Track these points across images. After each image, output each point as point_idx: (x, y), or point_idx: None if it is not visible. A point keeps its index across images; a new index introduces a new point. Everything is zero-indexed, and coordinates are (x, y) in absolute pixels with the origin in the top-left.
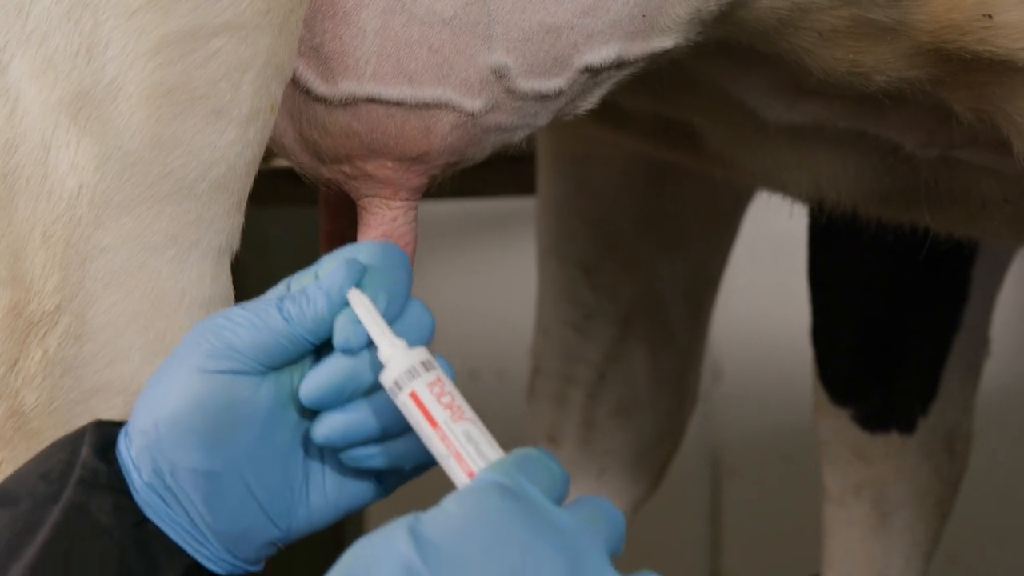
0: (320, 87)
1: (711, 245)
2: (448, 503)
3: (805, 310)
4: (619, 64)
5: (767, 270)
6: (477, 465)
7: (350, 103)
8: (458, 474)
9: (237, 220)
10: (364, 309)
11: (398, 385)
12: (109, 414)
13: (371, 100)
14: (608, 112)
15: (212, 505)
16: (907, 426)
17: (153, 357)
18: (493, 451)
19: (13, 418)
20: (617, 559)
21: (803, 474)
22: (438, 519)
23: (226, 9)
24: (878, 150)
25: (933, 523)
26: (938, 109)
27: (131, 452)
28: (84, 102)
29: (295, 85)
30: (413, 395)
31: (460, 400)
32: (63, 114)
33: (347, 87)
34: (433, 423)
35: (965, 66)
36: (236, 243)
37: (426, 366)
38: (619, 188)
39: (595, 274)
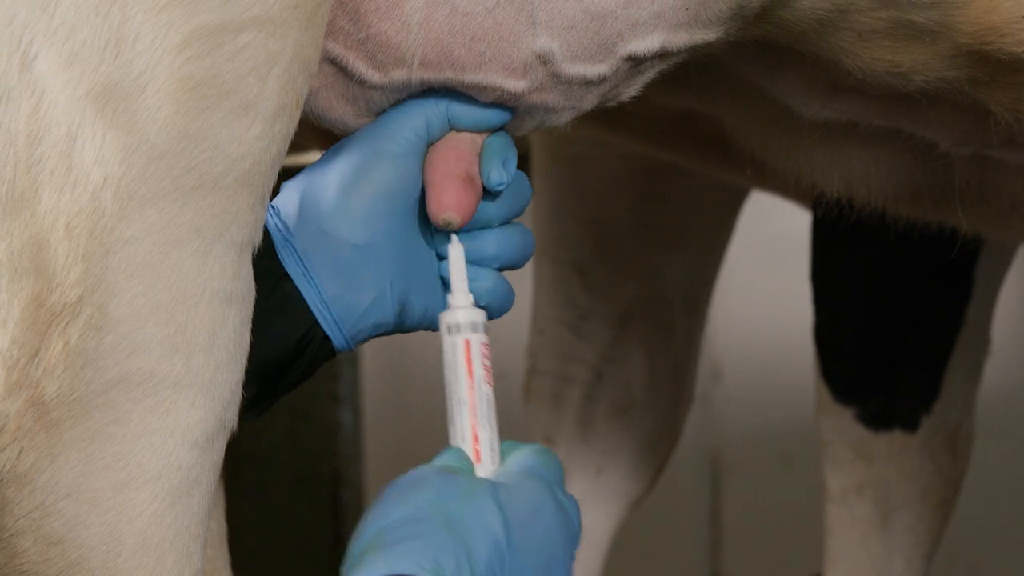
0: (374, 77)
1: (707, 245)
2: (517, 489)
3: (805, 310)
4: (662, 54)
5: (766, 270)
6: (482, 425)
7: (405, 88)
8: (465, 421)
9: (260, 215)
10: (456, 260)
11: (457, 328)
12: (129, 406)
13: (424, 83)
14: (607, 113)
15: (351, 278)
16: (911, 425)
17: (173, 350)
18: (494, 419)
19: (33, 408)
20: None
21: (803, 474)
22: (513, 504)
23: (255, 4)
24: (911, 149)
25: (935, 523)
26: (975, 109)
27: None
28: (111, 95)
29: (348, 77)
30: (467, 343)
31: (490, 371)
32: (90, 107)
33: (399, 75)
34: (470, 373)
35: (1003, 67)
36: (258, 238)
37: (484, 329)
38: (613, 189)
39: (589, 275)
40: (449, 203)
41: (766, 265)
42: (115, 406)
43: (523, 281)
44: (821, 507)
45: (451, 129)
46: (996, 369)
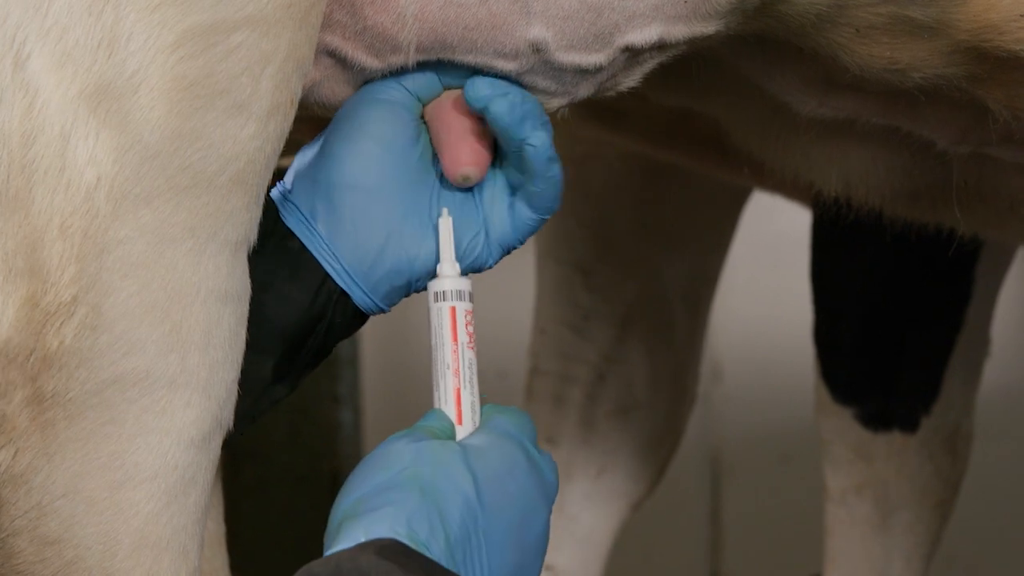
0: (373, 63)
1: (708, 245)
2: (489, 450)
3: (805, 310)
4: (661, 46)
5: (767, 270)
6: (464, 386)
7: (402, 69)
8: (448, 384)
9: (255, 214)
10: (445, 232)
11: (444, 296)
12: (125, 405)
13: (419, 63)
14: (606, 112)
15: (355, 221)
16: (910, 425)
17: (168, 349)
18: (475, 383)
19: (29, 408)
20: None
21: (803, 474)
22: (484, 465)
23: (248, 3)
24: (909, 147)
25: (934, 524)
26: (973, 106)
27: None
28: (104, 95)
29: (347, 67)
30: (452, 310)
31: (473, 337)
32: (83, 107)
33: (396, 60)
34: (455, 339)
35: (1002, 65)
36: (253, 237)
37: (470, 297)
38: (614, 189)
39: (592, 275)
40: (466, 159)
41: (766, 265)
42: (111, 405)
43: (525, 281)
44: (821, 507)
45: (443, 87)
46: (996, 369)
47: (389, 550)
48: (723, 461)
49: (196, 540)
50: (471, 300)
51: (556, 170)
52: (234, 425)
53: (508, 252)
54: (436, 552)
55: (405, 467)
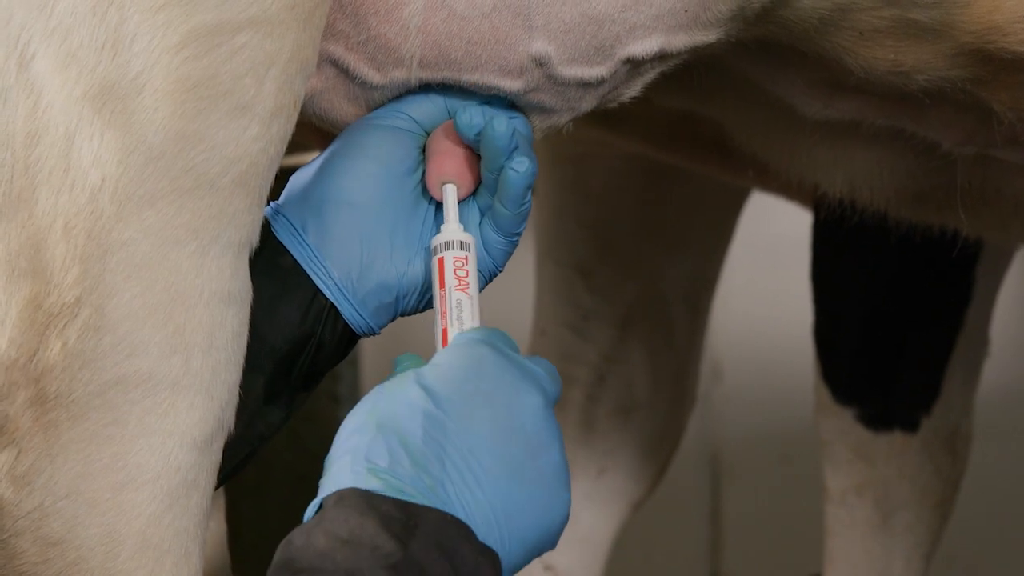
0: (375, 77)
1: (708, 246)
2: (439, 358)
3: (805, 310)
4: (662, 56)
5: (766, 270)
6: (452, 325)
7: (404, 86)
8: (438, 327)
9: (257, 216)
10: (450, 197)
11: (436, 249)
12: (128, 407)
13: (422, 82)
14: (608, 114)
15: (344, 234)
16: (910, 425)
17: (171, 351)
18: (471, 320)
19: (32, 409)
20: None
21: (803, 474)
22: (439, 375)
23: (252, 4)
24: (913, 149)
25: (934, 524)
26: (978, 108)
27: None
28: (109, 96)
29: (349, 78)
30: (440, 261)
31: (472, 280)
32: (87, 108)
33: (398, 75)
34: (442, 286)
35: (1006, 67)
36: (256, 238)
37: (463, 247)
38: (615, 190)
39: (592, 276)
40: (449, 170)
41: (766, 265)
42: (113, 407)
43: (524, 282)
44: (821, 507)
45: (451, 117)
46: (995, 369)
47: (346, 499)
48: (723, 461)
49: (198, 542)
50: (463, 248)
51: (529, 201)
52: (231, 452)
53: (490, 279)
54: (403, 476)
55: (366, 410)
